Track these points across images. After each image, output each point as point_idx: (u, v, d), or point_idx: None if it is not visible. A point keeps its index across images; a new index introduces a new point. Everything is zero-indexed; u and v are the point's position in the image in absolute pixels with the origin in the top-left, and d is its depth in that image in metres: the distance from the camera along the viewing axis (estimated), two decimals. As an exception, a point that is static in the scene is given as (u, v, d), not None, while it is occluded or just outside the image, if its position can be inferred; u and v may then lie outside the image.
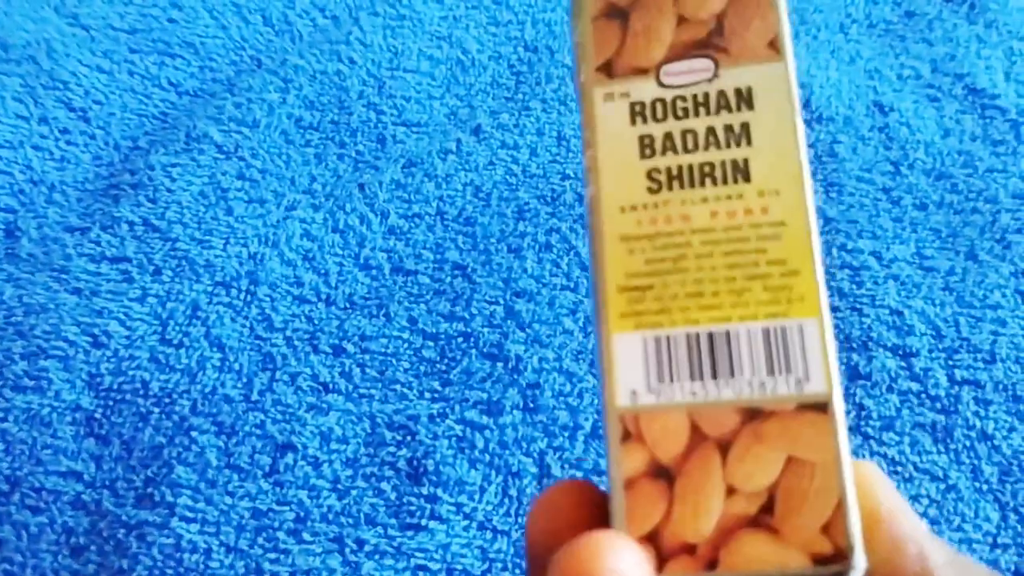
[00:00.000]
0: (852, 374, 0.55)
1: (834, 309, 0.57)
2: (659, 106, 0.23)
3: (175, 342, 0.57)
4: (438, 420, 0.53)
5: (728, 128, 0.23)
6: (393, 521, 0.50)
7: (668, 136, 0.23)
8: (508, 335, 0.56)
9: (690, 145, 0.23)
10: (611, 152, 0.23)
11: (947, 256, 0.59)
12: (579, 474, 0.51)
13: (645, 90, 0.23)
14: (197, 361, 0.56)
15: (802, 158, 0.22)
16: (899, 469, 0.52)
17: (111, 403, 0.54)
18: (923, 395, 0.54)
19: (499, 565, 0.49)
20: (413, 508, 0.51)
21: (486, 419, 0.53)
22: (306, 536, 0.50)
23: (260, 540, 0.50)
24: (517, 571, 0.49)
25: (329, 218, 0.62)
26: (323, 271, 0.59)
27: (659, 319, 0.21)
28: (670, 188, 0.22)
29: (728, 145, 0.22)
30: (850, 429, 0.53)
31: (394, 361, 0.56)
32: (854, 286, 0.58)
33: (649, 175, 0.23)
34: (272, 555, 0.50)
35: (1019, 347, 0.55)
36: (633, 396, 0.21)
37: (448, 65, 0.70)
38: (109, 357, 0.56)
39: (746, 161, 0.22)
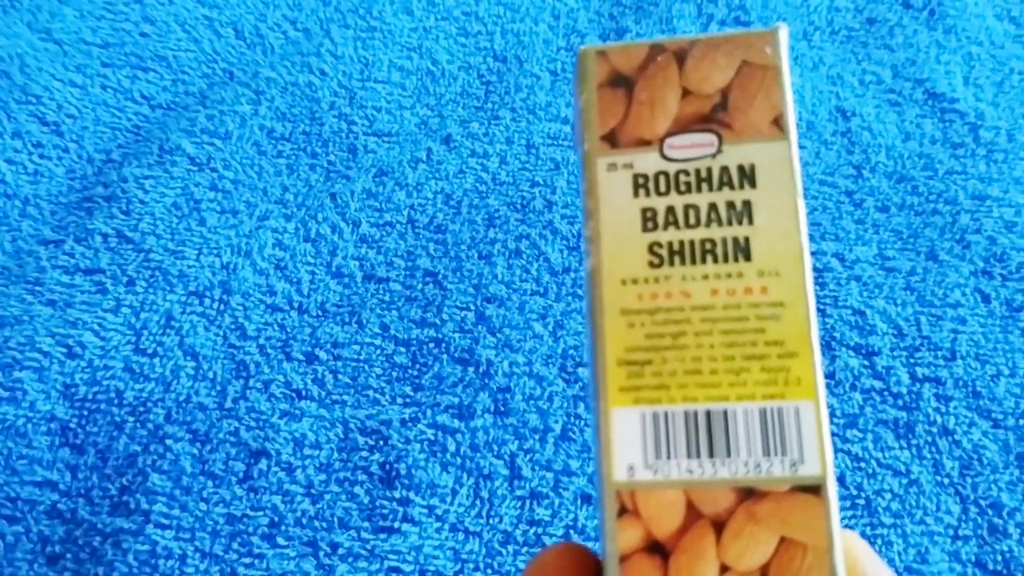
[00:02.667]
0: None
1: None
2: (662, 179, 0.23)
3: (149, 352, 0.57)
4: (410, 424, 0.54)
5: (730, 205, 0.22)
6: (366, 524, 0.51)
7: (671, 210, 0.23)
8: (479, 340, 0.57)
9: (692, 220, 0.22)
10: (613, 224, 0.23)
11: (908, 257, 0.60)
12: (549, 476, 0.52)
13: (649, 162, 0.23)
14: (171, 370, 0.56)
15: (803, 240, 0.22)
16: (863, 465, 0.53)
17: (86, 413, 0.55)
18: (885, 392, 0.55)
19: (471, 566, 0.50)
20: (386, 511, 0.51)
21: (457, 423, 0.54)
22: (280, 541, 0.51)
23: (235, 545, 0.51)
24: (489, 571, 0.50)
25: (301, 227, 0.62)
26: (295, 280, 0.60)
27: (658, 395, 0.21)
28: (671, 263, 0.22)
29: (730, 222, 0.22)
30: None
31: (366, 367, 0.56)
32: (818, 287, 0.59)
33: (651, 249, 0.22)
34: (247, 560, 0.50)
35: (978, 344, 0.57)
36: (631, 471, 0.21)
37: (418, 75, 0.71)
38: (84, 367, 0.56)
39: (747, 240, 0.22)
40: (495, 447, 0.53)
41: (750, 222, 0.22)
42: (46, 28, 0.73)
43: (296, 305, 0.59)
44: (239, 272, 0.60)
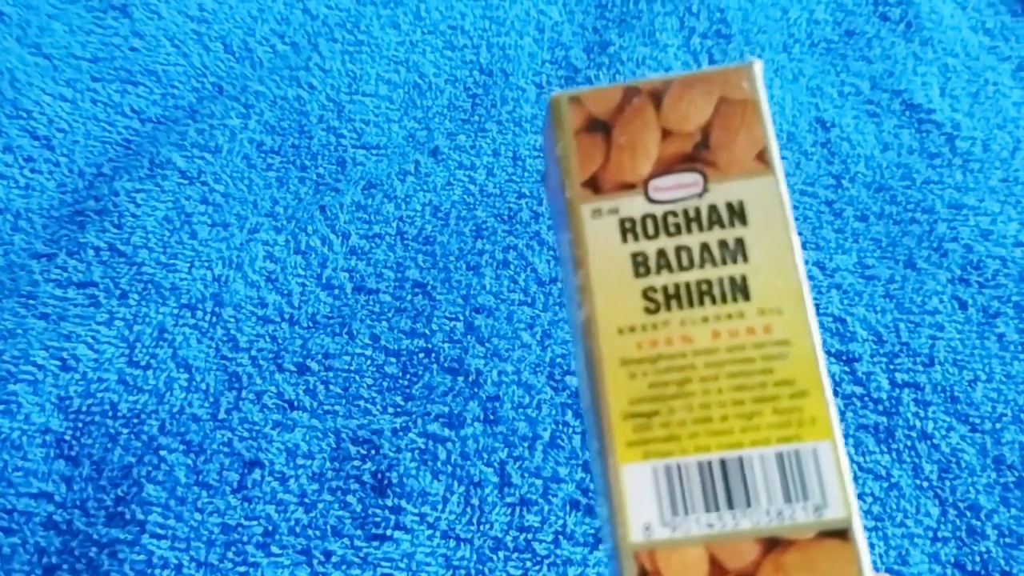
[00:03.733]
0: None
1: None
2: (650, 222, 0.22)
3: (142, 364, 0.58)
4: (401, 434, 0.55)
5: (723, 244, 0.22)
6: (359, 532, 0.52)
7: (662, 253, 0.22)
8: (468, 350, 0.58)
9: (685, 262, 0.22)
10: (604, 271, 0.22)
11: (887, 265, 0.62)
12: (539, 483, 0.53)
13: (634, 206, 0.22)
14: (164, 382, 0.57)
15: (800, 274, 0.22)
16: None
17: (80, 425, 0.56)
18: (866, 398, 0.56)
19: (462, 572, 0.51)
20: (378, 519, 0.52)
21: (448, 431, 0.55)
22: (274, 549, 0.52)
23: (230, 554, 0.51)
24: (480, 577, 0.51)
25: (291, 240, 0.63)
26: (286, 292, 0.61)
27: (668, 447, 0.21)
28: (668, 308, 0.22)
29: (724, 262, 0.22)
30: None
31: (357, 378, 0.57)
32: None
33: (646, 294, 0.22)
34: (242, 568, 0.51)
35: (956, 350, 0.58)
36: (647, 531, 0.20)
37: (406, 89, 0.72)
38: (78, 380, 0.57)
39: (744, 278, 0.22)
40: (485, 455, 0.54)
41: (745, 260, 0.22)
42: (36, 43, 0.74)
43: (287, 317, 0.60)
44: (230, 284, 0.61)
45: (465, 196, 0.66)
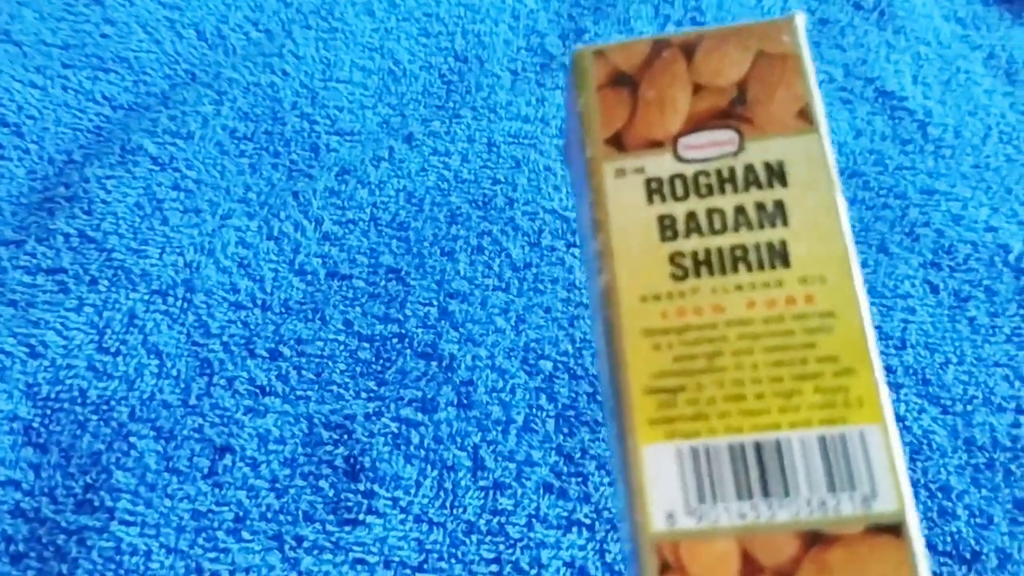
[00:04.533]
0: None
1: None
2: (679, 183, 0.21)
3: (112, 350, 0.57)
4: (374, 418, 0.55)
5: (760, 207, 0.20)
6: (331, 517, 0.52)
7: (691, 216, 0.20)
8: (442, 335, 0.58)
9: (717, 226, 0.20)
10: (627, 234, 0.20)
11: (860, 250, 0.62)
12: (512, 466, 0.53)
13: (662, 165, 0.21)
14: (135, 368, 0.57)
15: (847, 239, 0.20)
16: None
17: (49, 412, 0.55)
18: (838, 381, 0.57)
19: (435, 556, 0.50)
20: (351, 504, 0.52)
21: (421, 416, 0.55)
22: (246, 535, 0.51)
23: (200, 540, 0.51)
24: (453, 560, 0.50)
25: (264, 226, 0.63)
26: (258, 277, 0.61)
27: (696, 427, 0.19)
28: (698, 274, 0.20)
29: (761, 226, 0.20)
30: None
31: (330, 363, 0.57)
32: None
33: (672, 260, 0.20)
34: (212, 554, 0.51)
35: (928, 334, 0.58)
36: (670, 520, 0.18)
37: (380, 75, 0.72)
38: (46, 367, 0.56)
39: (783, 244, 0.20)
40: (458, 439, 0.54)
41: (784, 224, 0.20)
42: (5, 29, 0.73)
43: (259, 303, 0.60)
44: (202, 270, 0.61)
45: (439, 182, 0.66)
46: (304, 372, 0.57)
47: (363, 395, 0.56)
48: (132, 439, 0.54)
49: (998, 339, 0.58)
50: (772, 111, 0.21)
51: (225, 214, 0.63)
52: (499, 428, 0.54)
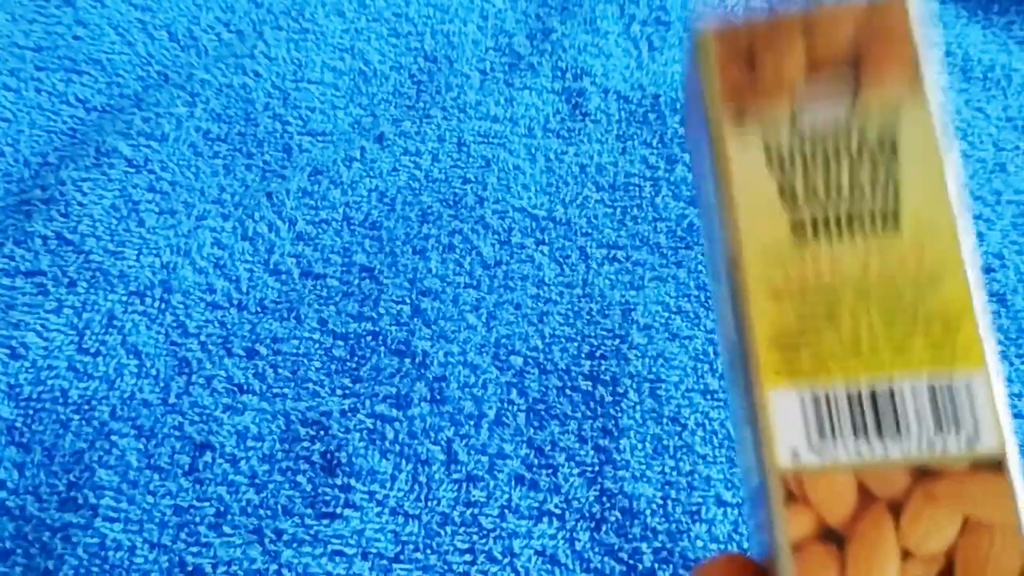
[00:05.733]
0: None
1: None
2: (796, 150, 0.22)
3: (92, 351, 0.59)
4: (350, 415, 0.56)
5: (873, 173, 0.21)
6: (309, 511, 0.53)
7: (809, 182, 0.22)
8: (415, 332, 0.60)
9: (833, 192, 0.21)
10: (749, 201, 0.22)
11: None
12: (484, 459, 0.55)
13: (780, 134, 0.22)
14: (115, 368, 0.58)
15: (955, 205, 0.21)
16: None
17: (31, 412, 0.56)
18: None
19: (411, 547, 0.52)
20: (328, 498, 0.54)
21: (395, 412, 0.57)
22: (226, 529, 0.53)
23: (182, 535, 0.53)
24: (428, 551, 0.52)
25: (239, 226, 0.64)
26: (234, 277, 0.62)
27: (817, 377, 0.21)
28: (816, 237, 0.21)
29: (874, 191, 0.21)
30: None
31: (306, 361, 0.59)
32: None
33: (792, 224, 0.21)
34: (194, 549, 0.52)
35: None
36: (795, 456, 0.20)
37: (351, 76, 0.73)
38: (28, 368, 0.58)
39: (896, 208, 0.21)
40: (432, 434, 0.56)
41: (896, 190, 0.21)
42: (-23, 32, 0.74)
43: (235, 302, 0.61)
44: (179, 271, 0.62)
45: (411, 181, 0.67)
46: (280, 370, 0.58)
47: (338, 392, 0.57)
48: (114, 438, 0.55)
49: None
50: (884, 81, 0.22)
51: (200, 215, 0.65)
52: (471, 422, 0.56)
